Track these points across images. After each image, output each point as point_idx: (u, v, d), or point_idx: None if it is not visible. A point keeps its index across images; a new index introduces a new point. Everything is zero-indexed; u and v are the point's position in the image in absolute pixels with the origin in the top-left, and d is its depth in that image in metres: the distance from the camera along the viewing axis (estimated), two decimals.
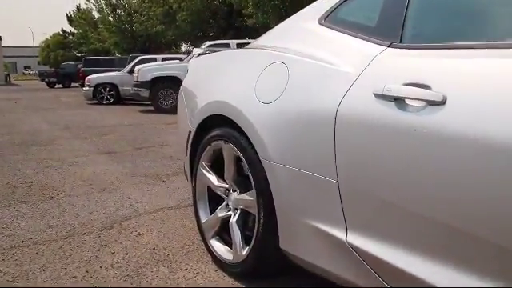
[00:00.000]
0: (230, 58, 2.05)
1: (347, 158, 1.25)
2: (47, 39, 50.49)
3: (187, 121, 2.11)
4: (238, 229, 1.73)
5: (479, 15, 1.22)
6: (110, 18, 29.31)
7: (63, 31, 46.47)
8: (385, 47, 1.28)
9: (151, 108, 9.94)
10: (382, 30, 1.35)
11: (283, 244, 1.51)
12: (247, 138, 1.59)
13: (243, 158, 1.63)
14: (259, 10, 13.19)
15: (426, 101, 1.04)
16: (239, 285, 1.75)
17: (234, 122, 1.66)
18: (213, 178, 1.89)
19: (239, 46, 10.32)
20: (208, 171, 1.91)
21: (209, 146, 1.87)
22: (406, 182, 1.08)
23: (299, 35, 1.69)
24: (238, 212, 1.76)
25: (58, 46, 45.61)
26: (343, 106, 1.26)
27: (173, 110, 9.40)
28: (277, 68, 1.56)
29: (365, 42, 1.37)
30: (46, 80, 24.36)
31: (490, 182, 0.92)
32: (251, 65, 1.76)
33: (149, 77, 9.64)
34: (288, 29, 1.82)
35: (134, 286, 1.75)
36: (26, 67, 65.99)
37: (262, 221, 1.56)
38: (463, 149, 0.95)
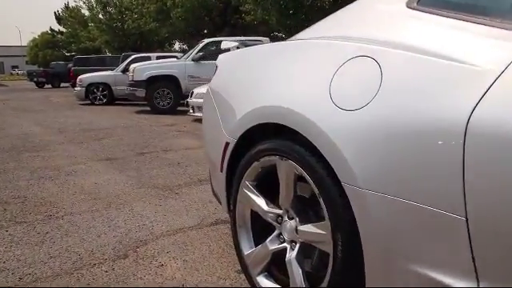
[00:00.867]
0: (280, 52, 1.64)
1: (482, 186, 0.89)
2: (35, 38, 49.42)
3: (221, 129, 1.73)
4: (298, 266, 1.37)
5: None
6: (101, 15, 28.62)
7: (51, 30, 45.57)
8: None
9: (146, 108, 9.54)
10: None
11: None
12: (317, 153, 1.22)
13: (310, 181, 1.26)
14: (259, 7, 12.79)
15: None
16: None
17: (297, 134, 1.29)
18: (261, 202, 1.51)
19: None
20: (254, 193, 1.53)
21: (256, 162, 1.49)
22: None
23: (385, 22, 1.32)
24: (298, 246, 1.39)
25: (46, 45, 44.68)
26: (477, 115, 0.90)
27: (170, 111, 9.14)
28: (361, 64, 1.19)
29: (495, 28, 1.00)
30: (35, 80, 23.91)
31: None
32: (320, 60, 1.38)
33: (144, 76, 9.24)
34: (363, 15, 1.45)
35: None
36: (13, 67, 64.68)
37: (338, 260, 1.20)
38: None
